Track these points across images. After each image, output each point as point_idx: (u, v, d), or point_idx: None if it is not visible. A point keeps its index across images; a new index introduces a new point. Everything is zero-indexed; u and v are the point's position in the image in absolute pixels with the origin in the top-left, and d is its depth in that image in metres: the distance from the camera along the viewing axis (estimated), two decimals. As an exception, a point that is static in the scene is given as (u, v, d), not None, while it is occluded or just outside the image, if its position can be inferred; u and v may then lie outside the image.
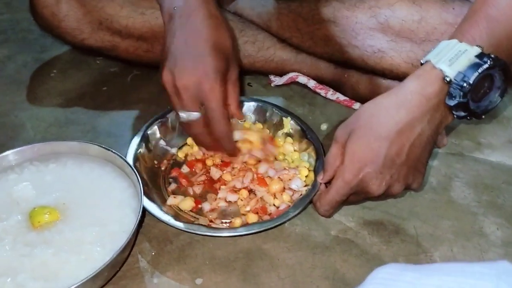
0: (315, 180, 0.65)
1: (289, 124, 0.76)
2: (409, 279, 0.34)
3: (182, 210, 0.65)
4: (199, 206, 0.66)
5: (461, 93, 0.54)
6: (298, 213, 0.63)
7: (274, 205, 0.66)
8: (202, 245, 0.63)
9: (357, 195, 0.61)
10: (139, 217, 0.57)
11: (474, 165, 0.74)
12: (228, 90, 0.63)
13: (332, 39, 0.81)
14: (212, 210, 0.66)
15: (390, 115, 0.57)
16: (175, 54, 0.60)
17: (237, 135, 0.70)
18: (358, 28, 0.79)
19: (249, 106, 0.78)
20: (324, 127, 0.81)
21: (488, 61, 0.53)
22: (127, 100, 0.87)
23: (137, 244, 0.62)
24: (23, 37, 1.04)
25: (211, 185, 0.69)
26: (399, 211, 0.67)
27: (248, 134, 0.71)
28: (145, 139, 0.71)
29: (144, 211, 0.62)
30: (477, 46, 0.55)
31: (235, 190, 0.67)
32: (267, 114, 0.78)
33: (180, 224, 0.61)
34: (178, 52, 0.60)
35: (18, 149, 0.66)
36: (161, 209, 0.62)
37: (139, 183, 0.61)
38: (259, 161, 0.70)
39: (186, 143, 0.74)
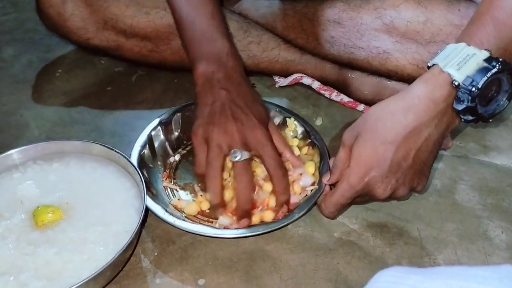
0: (320, 181, 0.65)
1: (293, 124, 0.75)
2: (412, 282, 0.34)
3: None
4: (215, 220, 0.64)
5: (470, 98, 0.54)
6: (303, 215, 0.63)
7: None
8: (205, 245, 0.62)
9: (362, 197, 0.61)
10: (141, 217, 0.57)
11: (479, 168, 0.74)
12: (275, 138, 0.64)
13: (337, 40, 0.81)
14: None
15: (397, 119, 0.56)
16: (224, 109, 0.62)
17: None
18: (363, 29, 0.78)
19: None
20: (319, 122, 0.81)
21: (497, 65, 0.53)
22: (132, 100, 0.87)
23: (140, 244, 0.62)
24: (29, 37, 1.05)
25: None
26: (403, 214, 0.66)
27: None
28: (149, 140, 0.72)
29: (147, 211, 0.62)
30: (485, 50, 0.54)
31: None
32: (271, 114, 0.77)
33: (183, 225, 0.61)
34: (227, 107, 0.62)
35: (22, 148, 0.66)
36: (165, 210, 0.62)
37: (142, 183, 0.61)
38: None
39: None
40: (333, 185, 0.63)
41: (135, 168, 0.63)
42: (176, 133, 0.75)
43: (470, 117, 0.56)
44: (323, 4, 0.82)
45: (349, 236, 0.64)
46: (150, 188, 0.66)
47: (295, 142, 0.73)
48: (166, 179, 0.70)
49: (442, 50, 0.56)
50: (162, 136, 0.73)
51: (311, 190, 0.65)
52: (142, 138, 0.71)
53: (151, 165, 0.70)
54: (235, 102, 0.63)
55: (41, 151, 0.67)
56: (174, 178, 0.71)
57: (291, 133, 0.75)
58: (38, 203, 0.61)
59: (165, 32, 0.84)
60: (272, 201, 0.63)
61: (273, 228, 0.62)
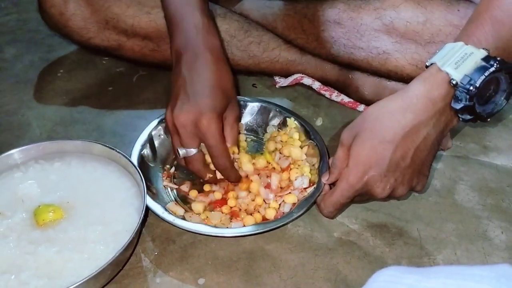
0: (319, 180, 0.65)
1: (293, 124, 0.75)
2: (410, 282, 0.34)
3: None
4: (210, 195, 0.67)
5: (467, 97, 0.54)
6: (302, 214, 0.63)
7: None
8: (205, 245, 0.63)
9: (361, 197, 0.61)
10: (142, 216, 0.58)
11: (479, 168, 0.74)
12: (226, 128, 0.65)
13: (337, 40, 0.81)
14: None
15: (395, 119, 0.56)
16: (177, 95, 0.63)
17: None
18: (363, 30, 0.79)
19: (252, 107, 0.78)
20: (319, 122, 0.81)
21: (495, 64, 0.53)
22: (133, 100, 0.87)
23: (140, 243, 0.63)
24: (31, 37, 1.05)
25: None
26: (403, 214, 0.67)
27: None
28: (150, 139, 0.72)
29: (147, 210, 0.62)
30: (483, 49, 0.54)
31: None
32: (271, 114, 0.78)
33: (183, 224, 0.61)
34: (180, 93, 0.62)
35: (24, 147, 0.67)
36: (164, 209, 0.62)
37: (143, 183, 0.61)
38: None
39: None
40: (332, 185, 0.63)
41: (136, 168, 0.63)
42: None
43: (468, 116, 0.56)
44: (324, 5, 0.82)
45: (348, 236, 0.64)
46: (150, 188, 0.66)
47: (296, 142, 0.73)
48: (166, 178, 0.70)
49: (440, 49, 0.57)
50: (162, 136, 0.74)
51: (308, 192, 0.65)
52: (143, 137, 0.71)
53: (151, 165, 0.71)
54: (192, 87, 0.62)
55: (42, 151, 0.67)
56: (174, 178, 0.71)
57: (294, 132, 0.75)
58: (39, 202, 0.61)
59: (166, 32, 0.84)
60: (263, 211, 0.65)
61: (273, 227, 0.62)
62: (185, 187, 0.69)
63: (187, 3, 0.67)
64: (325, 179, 0.64)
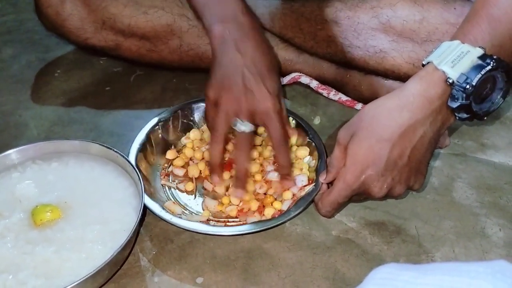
0: (317, 179, 0.65)
1: (291, 123, 0.75)
2: (406, 278, 0.34)
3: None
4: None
5: (464, 95, 0.54)
6: (300, 212, 0.63)
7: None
8: (203, 244, 0.63)
9: (359, 196, 0.61)
10: (139, 215, 0.58)
11: (476, 166, 0.74)
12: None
13: (334, 39, 0.81)
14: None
15: (392, 117, 0.56)
16: (236, 74, 0.62)
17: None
18: (360, 28, 0.79)
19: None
20: (317, 121, 0.81)
21: (491, 62, 0.53)
22: (130, 99, 0.87)
23: (138, 242, 0.63)
24: (28, 37, 1.05)
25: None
26: (401, 212, 0.67)
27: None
28: (147, 139, 0.72)
29: (145, 209, 0.62)
30: (479, 47, 0.54)
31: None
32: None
33: (181, 223, 0.61)
34: (239, 74, 0.62)
35: (21, 147, 0.67)
36: (162, 208, 0.62)
37: (140, 182, 0.61)
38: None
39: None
40: (330, 184, 0.63)
41: (133, 167, 0.63)
42: (174, 132, 0.76)
43: (464, 115, 0.56)
44: (321, 4, 0.82)
45: (346, 234, 0.64)
46: (148, 187, 0.66)
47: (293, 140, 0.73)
48: (164, 177, 0.70)
49: (437, 48, 0.57)
50: (160, 135, 0.74)
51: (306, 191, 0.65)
52: (140, 137, 0.71)
53: (149, 164, 0.71)
54: (249, 68, 0.62)
55: (39, 151, 0.67)
56: (171, 176, 0.71)
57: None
58: (37, 202, 0.61)
59: (163, 32, 0.84)
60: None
61: (271, 226, 0.62)
62: (182, 186, 0.69)
63: None
64: (322, 178, 0.64)
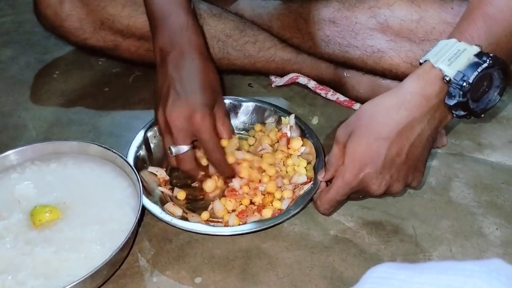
0: (316, 177, 0.66)
1: (288, 123, 0.76)
2: (402, 277, 0.34)
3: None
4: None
5: (461, 93, 0.54)
6: (299, 211, 0.63)
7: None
8: (202, 244, 0.63)
9: (357, 194, 0.61)
10: (138, 216, 0.58)
11: (474, 165, 0.74)
12: (217, 123, 0.67)
13: (332, 39, 0.82)
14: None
15: (390, 116, 0.57)
16: (166, 94, 0.64)
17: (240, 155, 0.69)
18: (358, 28, 0.79)
19: (247, 106, 0.78)
20: (315, 121, 0.81)
21: (488, 60, 0.54)
22: (129, 100, 0.88)
23: (136, 243, 0.63)
24: (27, 38, 1.05)
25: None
26: (398, 211, 0.67)
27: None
28: (145, 140, 0.72)
29: (144, 210, 0.62)
30: (476, 45, 0.55)
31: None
32: (266, 114, 0.78)
33: (180, 223, 0.61)
34: (170, 92, 0.64)
35: (20, 148, 0.67)
36: (161, 208, 0.63)
37: (139, 182, 0.61)
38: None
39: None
40: (328, 182, 0.63)
41: (132, 168, 0.63)
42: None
43: (462, 112, 0.56)
44: (318, 4, 0.83)
45: (344, 234, 0.64)
46: (147, 188, 0.66)
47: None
48: (162, 182, 0.69)
49: (434, 46, 0.57)
50: (158, 137, 0.74)
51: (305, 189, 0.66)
52: (139, 138, 0.72)
53: (147, 165, 0.71)
54: (182, 85, 0.64)
55: (38, 152, 0.67)
56: (171, 184, 0.70)
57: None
58: (36, 203, 0.61)
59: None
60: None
61: (270, 225, 0.62)
62: (181, 195, 0.68)
63: (170, 2, 0.68)
64: (321, 176, 0.64)
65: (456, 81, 0.54)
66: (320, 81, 0.88)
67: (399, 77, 0.78)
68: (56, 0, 0.84)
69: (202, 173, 0.67)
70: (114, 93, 0.90)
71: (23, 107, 0.87)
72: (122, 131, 0.80)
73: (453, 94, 0.55)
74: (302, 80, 0.88)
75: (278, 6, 0.88)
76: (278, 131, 0.74)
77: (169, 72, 0.65)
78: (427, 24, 0.74)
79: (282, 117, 0.76)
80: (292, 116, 0.75)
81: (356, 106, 0.84)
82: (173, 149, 0.64)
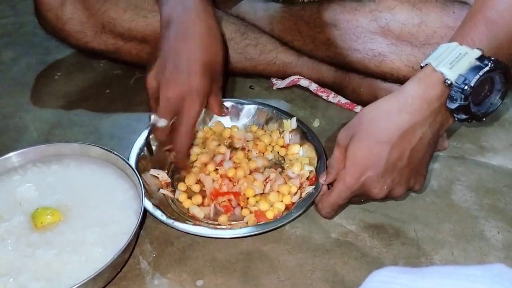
0: (317, 181, 0.66)
1: (289, 126, 0.76)
2: (404, 281, 0.34)
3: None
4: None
5: (462, 96, 0.54)
6: (300, 214, 0.63)
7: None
8: (203, 247, 0.63)
9: (359, 197, 0.61)
10: (140, 218, 0.58)
11: (475, 169, 0.74)
12: (210, 97, 0.66)
13: (333, 42, 0.82)
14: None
15: (391, 119, 0.57)
16: (165, 63, 0.63)
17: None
18: (359, 32, 0.79)
19: (249, 109, 0.78)
20: (316, 124, 0.81)
21: (489, 63, 0.54)
22: (130, 102, 0.88)
23: (138, 245, 0.63)
24: (28, 40, 1.05)
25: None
26: (400, 214, 0.67)
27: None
28: (147, 142, 0.72)
29: (145, 212, 0.62)
30: (477, 49, 0.55)
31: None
32: (268, 116, 0.78)
33: (182, 226, 0.61)
34: (169, 62, 0.62)
35: (21, 150, 0.67)
36: (163, 212, 0.63)
37: (141, 185, 0.61)
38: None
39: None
40: (330, 185, 0.63)
41: (133, 170, 0.63)
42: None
43: (463, 116, 0.56)
44: (320, 7, 0.83)
45: (346, 237, 0.64)
46: (148, 191, 0.66)
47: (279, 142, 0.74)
48: (164, 184, 0.69)
49: (435, 50, 0.57)
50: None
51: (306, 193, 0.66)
52: (140, 141, 0.72)
53: (149, 168, 0.71)
54: (183, 60, 0.62)
55: (40, 154, 0.67)
56: (172, 186, 0.70)
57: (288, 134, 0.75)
58: (37, 205, 0.61)
59: None
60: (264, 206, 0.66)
61: (272, 228, 0.62)
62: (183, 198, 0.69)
63: None
64: (322, 179, 0.64)
65: (457, 84, 0.54)
66: (321, 84, 0.88)
67: (400, 80, 0.78)
68: (57, 3, 0.84)
69: (170, 146, 0.66)
70: (115, 95, 0.90)
71: (24, 109, 0.87)
72: (124, 133, 0.80)
73: (454, 97, 0.55)
74: (303, 82, 0.88)
75: (279, 9, 0.88)
76: (280, 134, 0.75)
77: (172, 40, 0.63)
78: (429, 28, 0.74)
79: (284, 120, 0.76)
80: (294, 119, 0.75)
81: (357, 108, 0.84)
82: (153, 118, 0.64)
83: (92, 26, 0.84)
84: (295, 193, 0.67)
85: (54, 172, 0.66)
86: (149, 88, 0.64)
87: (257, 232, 0.62)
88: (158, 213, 0.62)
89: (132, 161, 0.68)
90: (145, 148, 0.71)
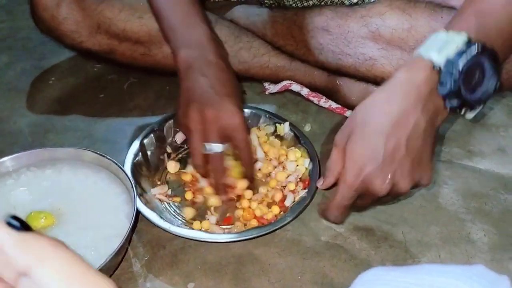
0: (311, 184, 0.67)
1: (283, 130, 0.77)
2: (389, 278, 0.35)
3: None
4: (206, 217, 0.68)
5: (452, 81, 0.54)
6: (294, 218, 0.64)
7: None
8: (195, 250, 0.64)
9: (364, 198, 0.59)
10: (132, 222, 0.59)
11: (463, 173, 0.75)
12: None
13: (325, 47, 0.83)
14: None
15: (382, 110, 0.56)
16: (200, 96, 0.66)
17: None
18: (350, 37, 0.80)
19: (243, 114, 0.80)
20: (308, 128, 0.83)
21: (476, 47, 0.54)
22: (124, 107, 0.89)
23: (131, 248, 0.64)
24: (23, 45, 1.06)
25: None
26: (388, 217, 0.68)
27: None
28: (141, 147, 0.73)
29: (138, 216, 0.63)
30: (465, 34, 0.55)
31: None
32: (261, 120, 0.79)
33: (176, 230, 0.62)
34: (202, 94, 0.66)
35: (15, 155, 0.68)
36: (160, 216, 0.63)
37: (133, 189, 0.62)
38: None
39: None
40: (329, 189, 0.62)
41: (126, 174, 0.64)
42: (168, 140, 0.77)
43: (455, 102, 0.55)
44: (312, 12, 0.84)
45: (335, 240, 0.65)
46: (143, 195, 0.67)
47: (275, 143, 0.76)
48: (160, 188, 0.70)
49: (424, 42, 0.57)
50: (154, 144, 0.75)
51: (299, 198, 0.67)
52: (135, 146, 0.72)
53: (144, 173, 0.71)
54: (214, 88, 0.66)
55: (34, 158, 0.68)
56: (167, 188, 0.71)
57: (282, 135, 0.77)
58: (31, 209, 0.62)
59: (158, 36, 0.85)
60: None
61: (265, 232, 0.63)
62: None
63: (189, 14, 0.72)
64: (319, 184, 0.63)
65: (446, 69, 0.54)
66: (313, 88, 0.89)
67: None
68: (53, 3, 0.84)
69: (226, 181, 0.68)
70: (109, 99, 0.90)
71: (19, 113, 0.88)
72: (117, 138, 0.81)
73: (444, 82, 0.54)
74: (295, 87, 0.89)
75: (273, 14, 0.89)
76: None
77: (197, 79, 0.67)
78: (418, 33, 0.76)
79: (277, 124, 0.77)
80: (287, 123, 0.77)
81: (348, 113, 0.85)
82: (208, 147, 0.65)
83: (87, 26, 0.85)
84: (293, 190, 0.68)
85: (48, 177, 0.67)
86: (192, 120, 0.65)
87: (251, 237, 0.63)
88: (153, 216, 0.63)
89: (127, 167, 0.68)
90: (140, 153, 0.72)
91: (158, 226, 0.63)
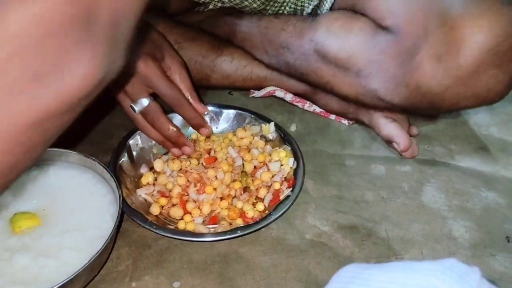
0: (295, 183, 0.68)
1: (268, 130, 0.78)
2: (365, 276, 0.36)
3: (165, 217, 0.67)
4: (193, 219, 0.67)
5: None
6: (279, 217, 0.65)
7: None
8: (180, 249, 0.64)
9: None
10: (117, 222, 0.59)
11: (445, 171, 0.77)
12: (174, 77, 0.68)
13: (292, 65, 0.80)
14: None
15: None
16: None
17: None
18: (308, 59, 0.77)
19: (228, 114, 0.80)
20: (293, 128, 0.83)
21: None
22: (109, 107, 0.88)
23: (116, 248, 0.64)
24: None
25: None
26: (372, 215, 0.69)
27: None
28: (127, 148, 0.73)
29: (122, 216, 0.63)
30: None
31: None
32: (246, 121, 0.80)
33: (159, 229, 0.63)
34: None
35: (0, 156, 0.67)
36: (146, 218, 0.64)
37: (118, 189, 0.62)
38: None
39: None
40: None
41: (111, 175, 0.64)
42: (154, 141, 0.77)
43: None
44: (279, 26, 0.80)
45: (320, 238, 0.66)
46: (129, 196, 0.67)
47: (260, 144, 0.76)
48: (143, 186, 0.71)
49: None
50: (141, 144, 0.75)
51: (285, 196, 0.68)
52: (121, 146, 0.73)
53: (130, 173, 0.72)
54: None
55: (18, 160, 0.68)
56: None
57: (265, 136, 0.78)
58: (16, 210, 0.62)
59: None
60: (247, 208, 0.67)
61: (250, 231, 0.64)
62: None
63: None
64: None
65: None
66: (296, 95, 0.89)
67: (357, 102, 0.77)
68: None
69: (173, 128, 0.69)
70: (94, 100, 0.90)
71: (4, 115, 0.87)
72: (103, 139, 0.81)
73: None
74: (279, 93, 0.88)
75: (249, 25, 0.86)
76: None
77: None
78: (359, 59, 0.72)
79: (262, 125, 0.78)
80: (272, 123, 0.78)
81: (332, 117, 0.86)
82: (136, 107, 0.64)
83: None
84: (278, 190, 0.69)
85: (32, 178, 0.67)
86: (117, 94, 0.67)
87: (236, 235, 0.63)
88: (140, 219, 0.63)
89: (113, 167, 0.69)
90: (126, 154, 0.72)
91: (143, 226, 0.63)
